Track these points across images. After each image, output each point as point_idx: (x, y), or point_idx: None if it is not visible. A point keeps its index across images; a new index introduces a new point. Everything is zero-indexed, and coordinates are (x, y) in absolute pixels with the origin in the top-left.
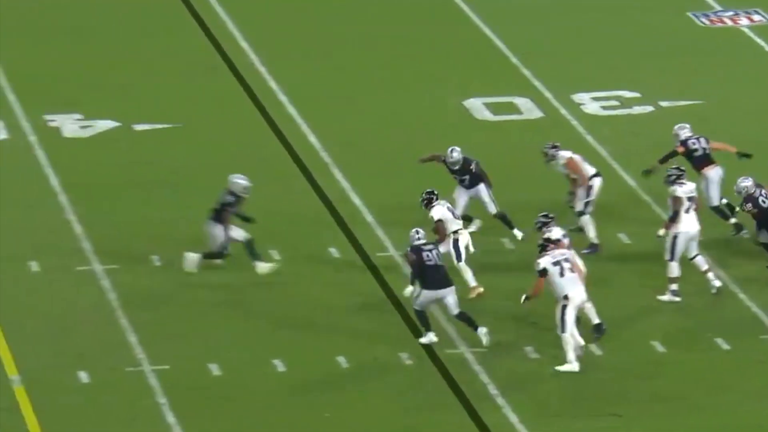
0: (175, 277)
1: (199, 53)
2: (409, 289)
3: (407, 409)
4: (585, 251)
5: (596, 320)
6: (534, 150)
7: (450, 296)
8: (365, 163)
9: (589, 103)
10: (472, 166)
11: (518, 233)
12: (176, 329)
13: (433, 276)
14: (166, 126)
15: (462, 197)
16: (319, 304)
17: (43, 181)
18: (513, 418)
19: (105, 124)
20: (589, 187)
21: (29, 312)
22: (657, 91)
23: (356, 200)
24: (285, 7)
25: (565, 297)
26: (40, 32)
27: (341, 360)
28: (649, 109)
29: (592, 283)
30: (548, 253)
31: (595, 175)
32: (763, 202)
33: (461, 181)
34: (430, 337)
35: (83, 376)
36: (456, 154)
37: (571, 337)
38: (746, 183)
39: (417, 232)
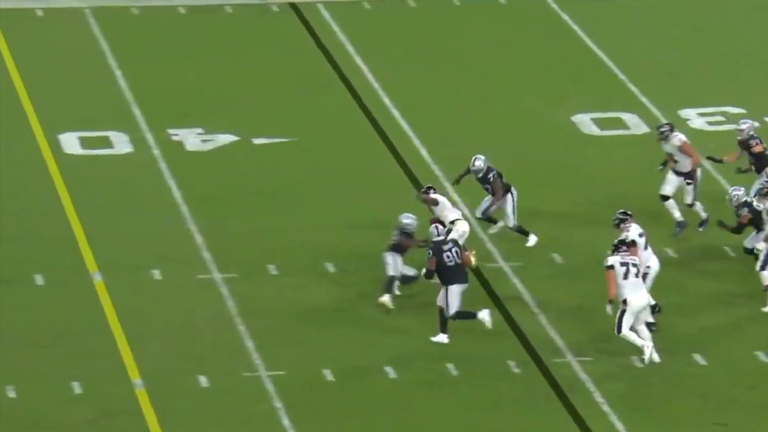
0: (291, 284)
1: (315, 69)
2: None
3: (514, 416)
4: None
5: (649, 319)
6: (640, 165)
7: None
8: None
9: (695, 118)
10: (490, 176)
11: (532, 238)
12: (291, 336)
13: (456, 273)
14: (282, 140)
15: (485, 203)
16: (428, 312)
17: (166, 192)
18: (619, 426)
19: (225, 138)
20: (694, 173)
21: (152, 318)
22: (763, 106)
23: (467, 212)
24: (398, 23)
25: (624, 301)
26: (164, 48)
27: (450, 367)
28: (755, 125)
29: (689, 291)
30: (619, 253)
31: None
32: (757, 206)
33: (486, 189)
34: (441, 338)
35: (203, 381)
36: (479, 162)
37: (629, 333)
38: (738, 192)
39: (436, 228)
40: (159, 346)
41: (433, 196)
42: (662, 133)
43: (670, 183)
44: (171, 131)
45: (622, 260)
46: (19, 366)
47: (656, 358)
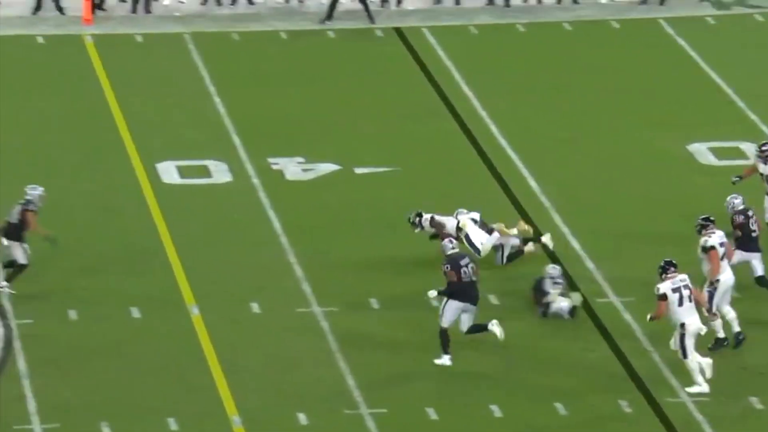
0: (393, 319)
1: (421, 97)
2: (432, 293)
3: None
4: None
5: (720, 334)
6: (760, 196)
7: (471, 312)
8: (585, 208)
9: None
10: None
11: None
12: (394, 372)
13: (466, 291)
14: (385, 169)
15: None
16: (535, 350)
17: (266, 223)
18: None
19: (326, 167)
20: None
21: (249, 352)
22: None
23: (575, 244)
24: (506, 48)
25: (682, 325)
26: (265, 74)
27: (559, 406)
28: None
29: None
30: (669, 277)
31: None
32: (750, 218)
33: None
34: (444, 360)
35: (301, 418)
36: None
37: (694, 362)
38: (736, 200)
39: (450, 242)
40: (257, 381)
41: (437, 218)
42: (764, 152)
43: None
44: (271, 160)
45: (674, 286)
46: (115, 401)
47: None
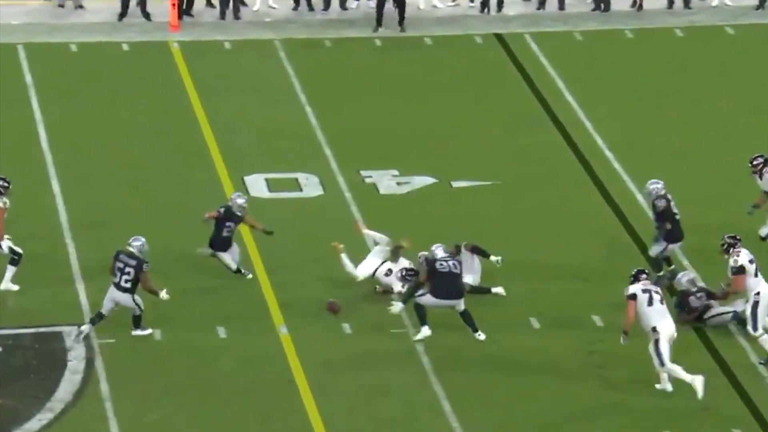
0: (492, 339)
1: (522, 107)
2: (398, 307)
3: None
4: None
5: None
6: None
7: (461, 304)
8: (696, 224)
9: None
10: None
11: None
12: (492, 396)
13: (444, 284)
14: (484, 183)
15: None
16: (636, 363)
17: (359, 238)
18: None
19: (422, 181)
20: None
21: (341, 374)
22: None
23: (685, 262)
24: (613, 55)
25: (654, 329)
26: (358, 83)
27: None
28: None
29: None
30: (640, 281)
31: None
32: (671, 201)
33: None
34: (424, 332)
35: None
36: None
37: (674, 365)
38: (658, 185)
39: (438, 247)
40: (348, 404)
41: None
42: (755, 166)
43: None
44: (364, 173)
45: (644, 287)
46: (200, 423)
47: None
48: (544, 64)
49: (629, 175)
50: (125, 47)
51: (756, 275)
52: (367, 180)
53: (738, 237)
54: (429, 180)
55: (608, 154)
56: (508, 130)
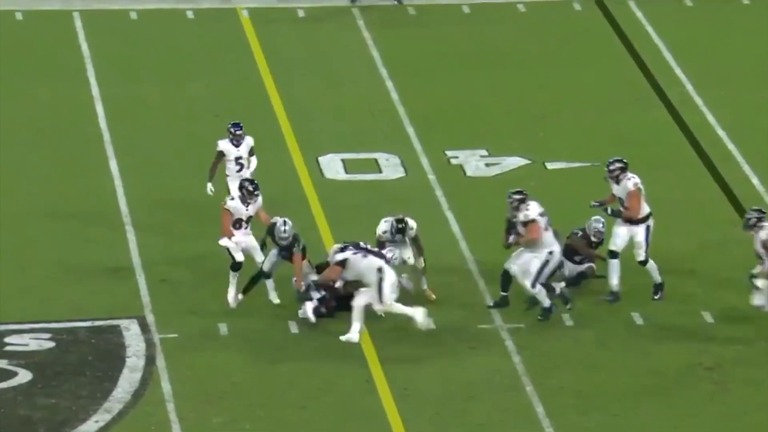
0: (587, 338)
1: (625, 82)
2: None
3: None
4: None
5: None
6: None
7: None
8: None
9: None
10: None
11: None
12: (587, 398)
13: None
14: (582, 165)
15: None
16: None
17: (443, 224)
18: None
19: (513, 162)
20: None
21: (426, 375)
22: None
23: None
24: (729, 25)
25: (550, 253)
26: (444, 56)
27: None
28: None
29: None
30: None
31: None
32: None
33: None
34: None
35: None
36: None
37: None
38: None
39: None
40: (434, 407)
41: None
42: (611, 171)
43: (620, 236)
44: (449, 153)
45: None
46: (270, 425)
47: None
48: (650, 33)
49: (744, 158)
50: (189, 15)
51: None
52: (453, 161)
53: (764, 210)
54: (521, 161)
55: (721, 133)
56: (608, 107)
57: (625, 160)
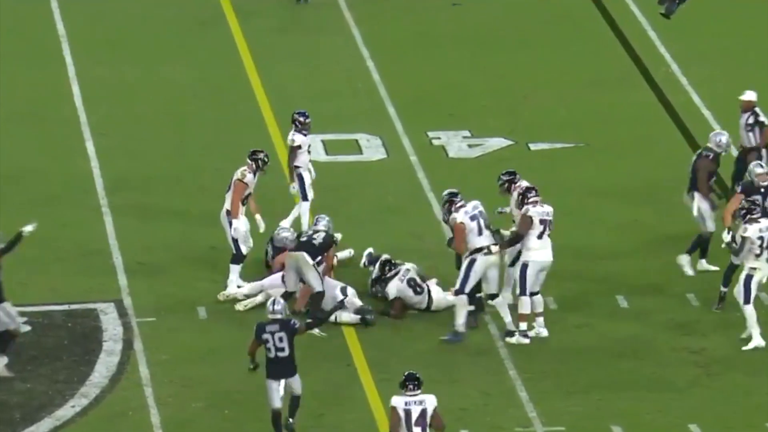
0: (574, 323)
1: (610, 61)
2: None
3: None
4: None
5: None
6: None
7: None
8: None
9: None
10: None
11: None
12: (572, 384)
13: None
14: (566, 145)
15: None
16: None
17: (425, 207)
18: None
19: (496, 143)
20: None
21: (407, 359)
22: None
23: None
24: (715, 8)
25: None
26: (426, 36)
27: None
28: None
29: None
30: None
31: None
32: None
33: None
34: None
35: None
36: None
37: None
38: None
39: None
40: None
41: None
42: (501, 185)
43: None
44: (431, 134)
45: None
46: (249, 411)
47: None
48: (634, 12)
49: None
50: None
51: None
52: (435, 142)
53: (757, 202)
54: (504, 142)
55: (707, 114)
56: (593, 87)
57: (512, 171)
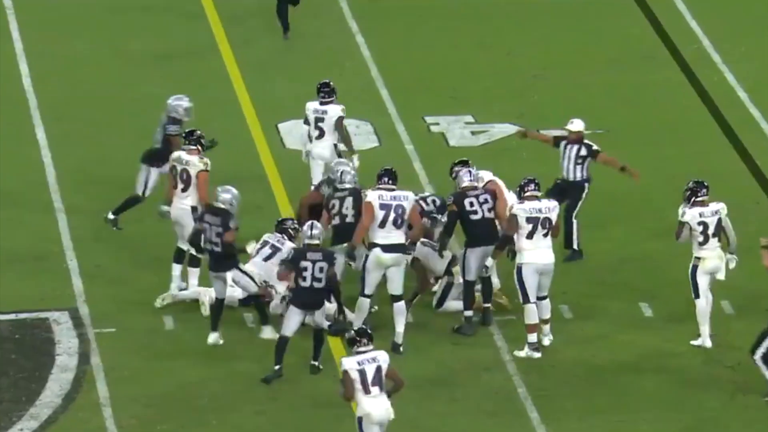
0: (585, 331)
1: (632, 37)
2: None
3: None
4: None
5: None
6: None
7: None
8: None
9: None
10: None
11: None
12: (589, 403)
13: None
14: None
15: None
16: None
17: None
18: None
19: (502, 129)
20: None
21: (405, 363)
22: None
23: None
24: None
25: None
26: (424, 10)
27: None
28: None
29: None
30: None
31: None
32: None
33: None
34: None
35: None
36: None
37: None
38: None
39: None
40: (413, 410)
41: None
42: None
43: None
44: (430, 119)
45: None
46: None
47: None
48: None
49: None
50: None
51: (714, 236)
52: (434, 128)
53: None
54: (512, 128)
55: (742, 95)
56: (612, 66)
57: (465, 160)
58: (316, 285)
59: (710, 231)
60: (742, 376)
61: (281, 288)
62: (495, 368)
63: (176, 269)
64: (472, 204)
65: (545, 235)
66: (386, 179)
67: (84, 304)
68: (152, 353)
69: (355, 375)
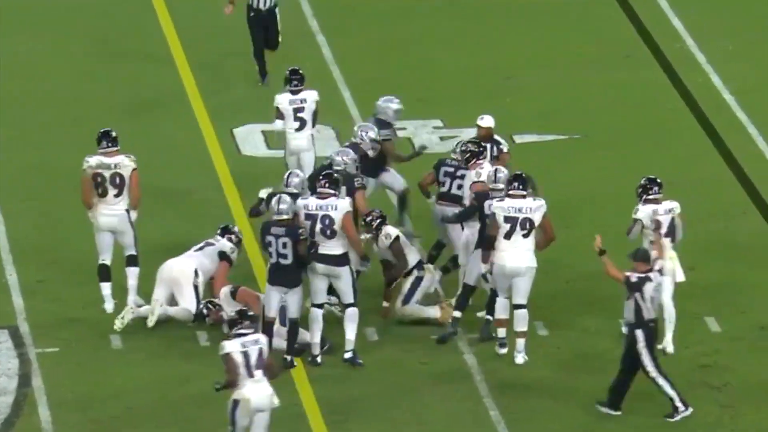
0: (562, 348)
1: (612, 35)
2: None
3: None
4: None
5: None
6: None
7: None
8: None
9: None
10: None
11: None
12: (568, 425)
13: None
14: (558, 137)
15: None
16: None
17: (389, 213)
18: None
19: (473, 134)
20: None
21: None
22: None
23: None
24: None
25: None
26: (386, 7)
27: None
28: None
29: None
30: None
31: None
32: None
33: None
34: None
35: None
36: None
37: None
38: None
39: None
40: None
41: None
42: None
43: None
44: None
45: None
46: None
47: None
48: None
49: (757, 128)
50: None
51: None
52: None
53: (658, 180)
54: None
55: (728, 98)
56: (590, 66)
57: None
58: (282, 261)
59: (662, 230)
60: (729, 397)
61: (228, 309)
62: (465, 389)
63: (106, 288)
64: (491, 207)
65: (525, 236)
66: (324, 182)
67: (24, 321)
68: (98, 374)
69: (239, 358)
